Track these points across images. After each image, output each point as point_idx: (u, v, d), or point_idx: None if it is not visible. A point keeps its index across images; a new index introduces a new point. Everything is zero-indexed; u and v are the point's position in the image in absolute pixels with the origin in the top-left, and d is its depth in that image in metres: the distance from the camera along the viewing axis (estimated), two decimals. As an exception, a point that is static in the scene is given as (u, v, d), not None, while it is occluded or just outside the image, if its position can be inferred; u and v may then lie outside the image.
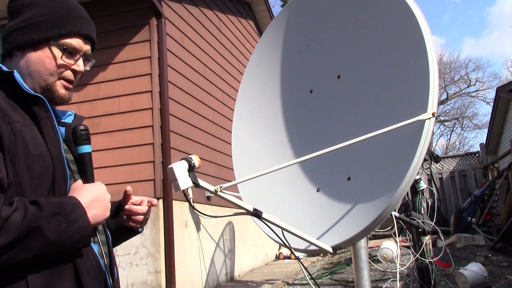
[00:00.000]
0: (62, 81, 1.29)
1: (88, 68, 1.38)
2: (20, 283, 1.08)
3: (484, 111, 40.75)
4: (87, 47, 1.33)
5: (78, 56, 1.31)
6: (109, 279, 1.25)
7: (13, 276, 1.08)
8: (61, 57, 1.27)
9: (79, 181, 1.24)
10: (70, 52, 1.29)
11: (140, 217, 1.49)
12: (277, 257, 9.03)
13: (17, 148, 1.12)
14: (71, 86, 1.32)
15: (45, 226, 1.05)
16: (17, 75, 1.21)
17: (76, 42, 1.30)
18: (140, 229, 1.54)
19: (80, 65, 1.31)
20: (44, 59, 1.26)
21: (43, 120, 1.21)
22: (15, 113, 1.17)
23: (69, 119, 1.38)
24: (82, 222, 1.13)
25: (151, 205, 1.50)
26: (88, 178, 1.28)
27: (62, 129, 1.34)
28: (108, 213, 1.23)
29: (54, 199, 1.13)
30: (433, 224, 3.68)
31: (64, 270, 1.15)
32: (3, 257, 1.02)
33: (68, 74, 1.30)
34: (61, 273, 1.14)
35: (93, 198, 1.19)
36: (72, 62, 1.30)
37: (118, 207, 1.50)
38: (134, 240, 5.03)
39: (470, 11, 49.64)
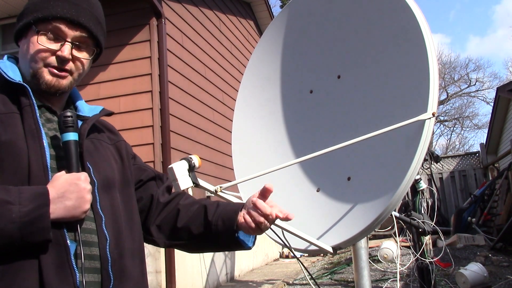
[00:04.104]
0: (50, 68, 1.25)
1: (87, 58, 1.31)
2: None
3: (484, 111, 40.81)
4: (75, 33, 1.26)
5: (63, 41, 1.24)
6: (78, 282, 1.12)
7: None
8: (37, 41, 1.23)
9: (62, 172, 1.16)
10: (55, 37, 1.25)
11: (259, 218, 1.29)
12: (281, 256, 9.04)
13: None
14: (61, 73, 1.26)
15: None
16: (1, 63, 1.23)
17: (57, 25, 1.24)
18: (248, 243, 1.37)
19: (64, 51, 1.24)
20: (28, 45, 1.25)
21: (25, 108, 1.18)
22: None
23: (90, 113, 1.35)
24: (38, 213, 1.05)
25: (283, 218, 1.31)
26: (71, 167, 1.18)
27: (80, 123, 1.30)
28: (85, 206, 1.14)
29: (15, 188, 1.06)
30: (433, 224, 3.68)
31: (24, 266, 1.07)
32: None
33: (52, 60, 1.24)
34: (21, 268, 1.07)
35: (67, 189, 1.11)
36: (55, 47, 1.24)
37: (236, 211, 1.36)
38: (134, 240, 5.02)
39: (476, 9, 49.59)
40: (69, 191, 1.12)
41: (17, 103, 1.19)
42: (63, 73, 1.26)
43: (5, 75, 1.21)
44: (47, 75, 1.24)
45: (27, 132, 1.16)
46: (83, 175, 1.17)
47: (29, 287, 1.07)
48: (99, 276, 1.18)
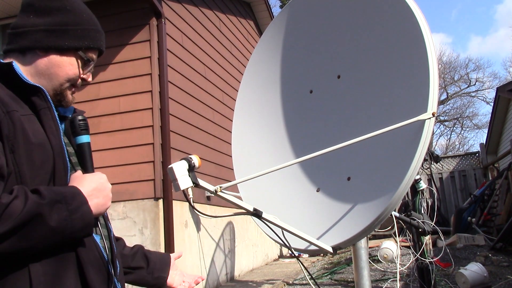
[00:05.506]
0: (73, 88, 1.35)
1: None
2: (22, 272, 1.08)
3: (484, 111, 40.76)
4: (96, 59, 1.41)
5: (91, 67, 1.38)
6: (112, 272, 1.25)
7: (15, 265, 1.08)
8: (82, 68, 1.34)
9: (79, 172, 1.25)
10: (86, 63, 1.36)
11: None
12: (281, 256, 9.04)
13: (16, 137, 1.12)
14: (75, 91, 1.38)
15: (46, 213, 1.05)
16: (16, 66, 1.23)
17: (94, 55, 1.38)
18: None
19: (90, 76, 1.39)
20: (66, 65, 1.31)
21: (43, 110, 1.22)
22: (14, 103, 1.18)
23: (69, 113, 1.40)
24: (84, 210, 1.13)
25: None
26: (87, 168, 1.28)
27: (63, 124, 1.36)
28: (109, 203, 1.24)
29: (54, 188, 1.13)
30: (433, 224, 3.68)
31: (66, 260, 1.15)
32: (4, 245, 1.01)
33: (79, 82, 1.36)
34: (63, 263, 1.14)
35: (94, 188, 1.20)
36: (85, 71, 1.37)
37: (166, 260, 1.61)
38: (134, 240, 5.02)
39: (478, 8, 49.52)
40: (96, 189, 1.21)
41: (29, 105, 1.22)
42: (75, 91, 1.39)
43: (22, 78, 1.23)
44: (69, 95, 1.35)
45: (49, 134, 1.21)
46: (104, 175, 1.26)
47: (72, 278, 1.15)
48: (111, 266, 1.29)
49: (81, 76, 1.35)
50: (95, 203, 1.18)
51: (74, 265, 1.16)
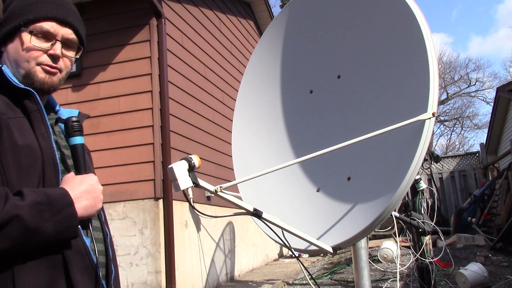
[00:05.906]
0: (42, 66, 1.30)
1: (77, 56, 1.38)
2: (6, 274, 1.08)
3: (484, 111, 40.72)
4: (64, 31, 1.33)
5: (54, 40, 1.31)
6: (100, 276, 1.23)
7: None
8: (30, 41, 1.28)
9: (71, 173, 1.24)
10: (45, 36, 1.30)
11: None
12: (281, 255, 9.04)
13: (2, 139, 1.12)
14: (52, 70, 1.31)
15: (25, 214, 1.05)
16: (5, 69, 1.25)
17: (48, 25, 1.30)
18: None
19: (56, 49, 1.31)
20: (18, 47, 1.30)
21: (33, 112, 1.23)
22: (5, 107, 1.19)
23: (72, 116, 1.39)
24: (68, 212, 1.12)
25: None
26: (80, 169, 1.27)
27: (62, 126, 1.36)
28: (100, 205, 1.23)
29: (40, 189, 1.13)
30: (433, 224, 3.68)
31: (53, 263, 1.14)
32: None
33: (45, 59, 1.30)
34: (50, 266, 1.13)
35: (84, 190, 1.20)
36: (47, 46, 1.30)
37: None
38: (134, 240, 5.03)
39: (478, 8, 49.45)
40: (86, 191, 1.20)
41: (20, 107, 1.23)
42: (54, 70, 1.31)
43: (12, 81, 1.24)
44: (40, 74, 1.29)
45: (39, 136, 1.21)
46: (95, 177, 1.26)
47: (59, 281, 1.14)
48: (105, 269, 1.28)
49: (49, 52, 1.29)
50: (83, 205, 1.17)
51: (60, 267, 1.15)
